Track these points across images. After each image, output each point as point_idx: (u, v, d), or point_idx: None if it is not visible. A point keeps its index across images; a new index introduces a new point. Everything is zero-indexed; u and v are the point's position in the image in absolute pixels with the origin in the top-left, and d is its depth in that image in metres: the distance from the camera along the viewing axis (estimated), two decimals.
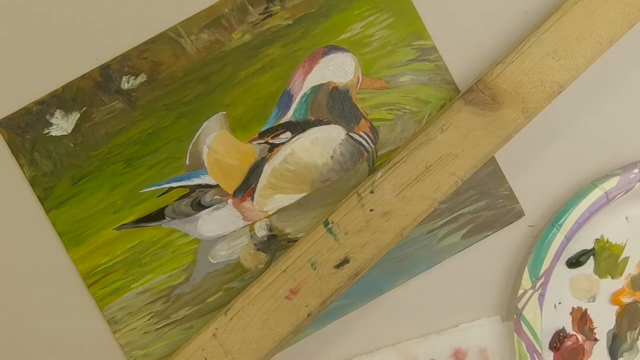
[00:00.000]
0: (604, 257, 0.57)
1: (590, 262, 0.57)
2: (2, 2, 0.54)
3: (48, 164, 0.54)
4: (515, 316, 0.56)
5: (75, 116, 0.55)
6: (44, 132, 0.54)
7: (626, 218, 0.58)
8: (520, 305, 0.56)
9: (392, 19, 0.57)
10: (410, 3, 0.57)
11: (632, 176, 0.56)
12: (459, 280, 0.57)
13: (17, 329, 0.55)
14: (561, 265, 0.57)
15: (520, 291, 0.56)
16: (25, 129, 0.54)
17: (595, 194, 0.55)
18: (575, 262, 0.57)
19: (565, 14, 0.53)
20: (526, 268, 0.56)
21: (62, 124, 0.55)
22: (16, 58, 0.54)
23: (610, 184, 0.55)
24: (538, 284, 0.55)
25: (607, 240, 0.57)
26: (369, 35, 0.56)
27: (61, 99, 0.54)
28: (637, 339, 0.58)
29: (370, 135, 0.56)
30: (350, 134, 0.56)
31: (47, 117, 0.54)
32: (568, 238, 0.55)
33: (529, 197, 0.58)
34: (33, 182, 0.54)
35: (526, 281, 0.56)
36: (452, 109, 0.53)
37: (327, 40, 0.56)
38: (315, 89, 0.56)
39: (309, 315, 0.52)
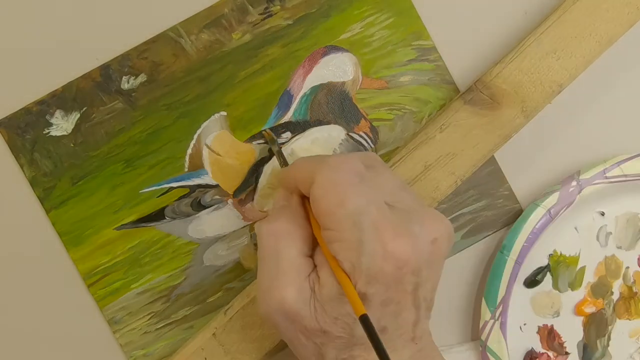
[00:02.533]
0: (560, 271, 0.57)
1: (548, 278, 0.57)
2: (2, 2, 0.54)
3: (48, 164, 0.54)
4: (480, 348, 0.56)
5: (75, 116, 0.55)
6: (44, 132, 0.54)
7: (575, 229, 0.58)
8: (483, 337, 0.56)
9: (392, 19, 0.57)
10: (410, 3, 0.57)
11: (571, 189, 0.56)
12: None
13: (17, 329, 0.55)
14: (519, 286, 0.57)
15: (482, 323, 0.56)
16: (25, 129, 0.54)
17: (539, 214, 0.55)
18: (532, 281, 0.57)
19: (564, 14, 0.53)
20: (483, 299, 0.56)
21: (62, 124, 0.55)
22: (16, 58, 0.54)
23: (551, 200, 0.55)
24: (497, 313, 0.55)
25: (561, 254, 0.57)
26: (369, 35, 0.56)
27: (61, 99, 0.55)
28: (608, 345, 0.58)
29: (370, 135, 0.56)
30: (350, 134, 0.56)
31: (47, 117, 0.54)
32: (519, 262, 0.55)
33: (529, 197, 0.58)
34: (33, 182, 0.54)
35: (485, 312, 0.56)
36: (451, 109, 0.53)
37: (327, 40, 0.56)
38: (315, 89, 0.56)
39: None
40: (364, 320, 0.39)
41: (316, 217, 0.44)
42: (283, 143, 0.56)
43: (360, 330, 0.42)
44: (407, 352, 0.44)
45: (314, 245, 0.45)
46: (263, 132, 0.55)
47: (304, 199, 0.47)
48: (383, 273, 0.41)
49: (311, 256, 0.45)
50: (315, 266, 0.44)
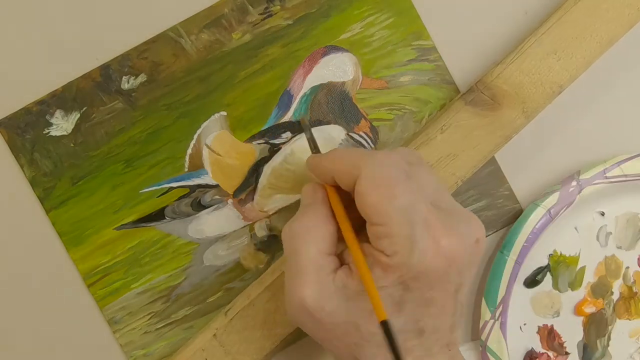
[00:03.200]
0: (560, 271, 0.57)
1: (548, 278, 0.57)
2: (2, 2, 0.54)
3: (48, 164, 0.54)
4: (480, 348, 0.56)
5: (75, 116, 0.55)
6: (44, 132, 0.54)
7: (575, 229, 0.58)
8: (483, 337, 0.56)
9: (392, 19, 0.57)
10: (410, 3, 0.57)
11: (571, 189, 0.56)
12: None
13: (17, 329, 0.55)
14: (519, 286, 0.57)
15: (482, 323, 0.56)
16: (25, 129, 0.54)
17: (539, 214, 0.55)
18: (532, 281, 0.57)
19: (565, 14, 0.53)
20: (482, 299, 0.56)
21: (62, 124, 0.55)
22: (16, 58, 0.54)
23: (551, 201, 0.55)
24: (497, 313, 0.55)
25: (561, 254, 0.58)
26: (369, 35, 0.56)
27: (61, 99, 0.54)
28: (608, 345, 0.58)
29: (370, 135, 0.56)
30: (350, 134, 0.56)
31: (47, 117, 0.54)
32: (519, 262, 0.55)
33: (529, 197, 0.58)
34: (33, 182, 0.54)
35: (485, 312, 0.56)
36: (452, 109, 0.53)
37: (327, 40, 0.56)
38: (315, 89, 0.56)
39: None
40: (385, 325, 0.39)
41: (362, 212, 0.43)
42: (283, 143, 0.56)
43: (402, 323, 0.42)
44: (443, 359, 0.44)
45: (339, 241, 0.45)
46: (300, 118, 0.55)
47: (331, 192, 0.47)
48: (433, 269, 0.41)
49: (337, 254, 0.45)
50: (342, 264, 0.44)
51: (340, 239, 0.45)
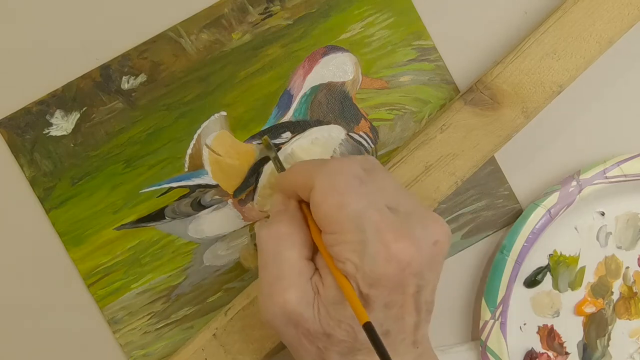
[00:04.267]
0: (560, 271, 0.57)
1: (548, 278, 0.57)
2: (2, 2, 0.54)
3: (48, 164, 0.54)
4: (480, 348, 0.56)
5: (75, 116, 0.55)
6: (44, 132, 0.54)
7: (575, 229, 0.58)
8: (483, 337, 0.56)
9: (392, 19, 0.57)
10: (410, 3, 0.57)
11: (571, 189, 0.56)
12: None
13: (17, 329, 0.55)
14: (519, 286, 0.57)
15: (482, 323, 0.56)
16: (25, 129, 0.54)
17: (538, 214, 0.55)
18: (532, 281, 0.57)
19: (564, 14, 0.53)
20: (482, 299, 0.56)
21: (62, 124, 0.55)
22: (16, 58, 0.54)
23: (551, 201, 0.55)
24: (497, 313, 0.55)
25: (561, 254, 0.57)
26: (369, 35, 0.56)
27: (61, 99, 0.54)
28: (608, 345, 0.58)
29: (370, 135, 0.56)
30: (350, 134, 0.56)
31: (47, 117, 0.54)
32: (519, 262, 0.55)
33: (529, 197, 0.58)
34: (33, 182, 0.54)
35: (485, 312, 0.56)
36: (451, 109, 0.53)
37: (327, 40, 0.56)
38: (315, 89, 0.56)
39: None
40: (368, 328, 0.39)
41: (317, 222, 0.44)
42: (283, 143, 0.56)
43: (363, 335, 0.42)
44: (409, 357, 0.44)
45: (314, 249, 0.45)
46: (262, 138, 0.55)
47: (302, 204, 0.47)
48: (386, 275, 0.41)
49: (312, 259, 0.45)
50: (316, 269, 0.44)
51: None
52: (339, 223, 0.42)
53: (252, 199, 0.56)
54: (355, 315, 0.41)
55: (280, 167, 0.52)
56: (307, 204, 0.45)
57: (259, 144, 0.56)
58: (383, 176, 0.45)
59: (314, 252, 0.45)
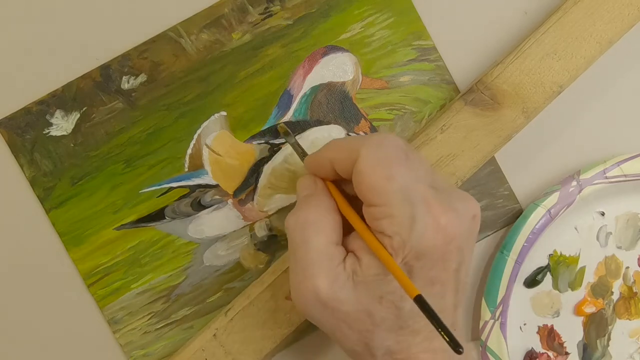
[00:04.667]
0: (560, 271, 0.57)
1: (548, 278, 0.57)
2: (2, 2, 0.54)
3: (48, 164, 0.54)
4: (480, 348, 0.56)
5: (75, 116, 0.55)
6: (44, 132, 0.54)
7: (575, 229, 0.58)
8: (483, 337, 0.56)
9: (392, 19, 0.57)
10: (410, 3, 0.57)
11: (571, 189, 0.56)
12: None
13: (17, 329, 0.55)
14: (519, 286, 0.57)
15: (482, 323, 0.56)
16: (25, 129, 0.54)
17: (539, 214, 0.55)
18: (532, 281, 0.57)
19: (565, 15, 0.53)
20: (482, 299, 0.56)
21: (62, 124, 0.55)
22: (16, 58, 0.54)
23: (551, 201, 0.55)
24: (497, 313, 0.55)
25: (561, 254, 0.58)
26: (369, 35, 0.56)
27: (61, 99, 0.54)
28: (608, 345, 0.58)
29: None
30: (350, 134, 0.56)
31: (47, 117, 0.54)
32: (519, 262, 0.55)
33: (529, 197, 0.58)
34: (33, 182, 0.54)
35: (485, 312, 0.56)
36: (452, 110, 0.53)
37: (327, 40, 0.56)
38: (315, 89, 0.56)
39: None
40: (420, 299, 0.39)
41: (360, 194, 0.43)
42: (283, 143, 0.56)
43: (406, 309, 0.42)
44: None
45: (344, 231, 0.45)
46: (278, 126, 0.55)
47: (330, 184, 0.47)
48: (434, 247, 0.41)
49: (342, 243, 0.45)
50: (349, 252, 0.44)
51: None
52: (386, 195, 0.41)
53: (252, 199, 0.56)
54: (404, 289, 0.40)
55: (301, 152, 0.52)
56: (335, 184, 0.45)
57: (259, 144, 0.56)
58: (420, 156, 0.45)
59: (344, 235, 0.45)
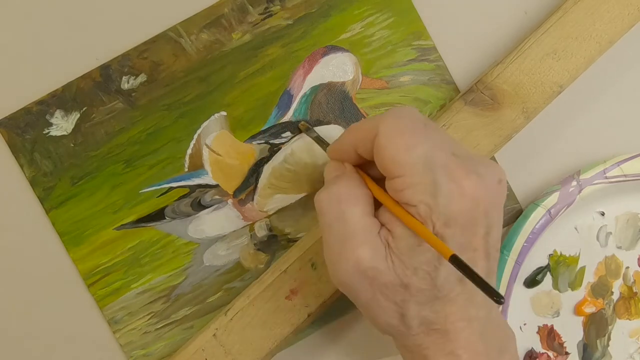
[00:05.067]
0: (560, 271, 0.57)
1: (548, 278, 0.57)
2: (2, 2, 0.54)
3: (48, 164, 0.54)
4: None
5: (75, 116, 0.55)
6: (44, 132, 0.54)
7: (575, 228, 0.58)
8: None
9: (392, 19, 0.57)
10: (410, 3, 0.57)
11: (571, 189, 0.56)
12: None
13: (17, 329, 0.55)
14: (519, 286, 0.57)
15: None
16: (25, 129, 0.54)
17: (539, 214, 0.55)
18: (532, 281, 0.57)
19: (565, 14, 0.53)
20: None
21: (62, 124, 0.55)
22: (16, 58, 0.55)
23: (551, 201, 0.55)
24: None
25: (561, 254, 0.57)
26: (369, 35, 0.56)
27: (61, 99, 0.55)
28: (608, 345, 0.58)
29: None
30: None
31: (47, 117, 0.54)
32: (519, 262, 0.55)
33: (529, 197, 0.58)
34: (33, 182, 0.54)
35: None
36: (451, 109, 0.53)
37: (327, 40, 0.56)
38: (315, 89, 0.56)
39: (309, 315, 0.52)
40: (455, 259, 0.39)
41: (382, 168, 0.43)
42: (283, 143, 0.56)
43: (440, 279, 0.42)
44: (485, 309, 0.44)
45: (376, 206, 0.45)
46: (299, 124, 0.55)
47: (357, 168, 0.47)
48: (461, 211, 0.41)
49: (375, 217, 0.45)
50: (382, 225, 0.44)
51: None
52: (407, 165, 0.41)
53: (252, 199, 0.56)
54: (438, 251, 0.40)
55: (324, 144, 0.52)
56: (362, 168, 0.46)
57: (259, 144, 0.56)
58: (437, 125, 0.46)
59: (376, 209, 0.45)
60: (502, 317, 0.47)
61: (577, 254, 0.57)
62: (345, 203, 0.44)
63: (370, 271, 0.42)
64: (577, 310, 0.57)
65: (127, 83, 0.55)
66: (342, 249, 0.43)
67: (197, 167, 0.55)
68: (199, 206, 0.55)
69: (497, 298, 0.37)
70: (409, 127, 0.43)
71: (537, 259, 0.57)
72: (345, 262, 0.43)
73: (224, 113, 0.56)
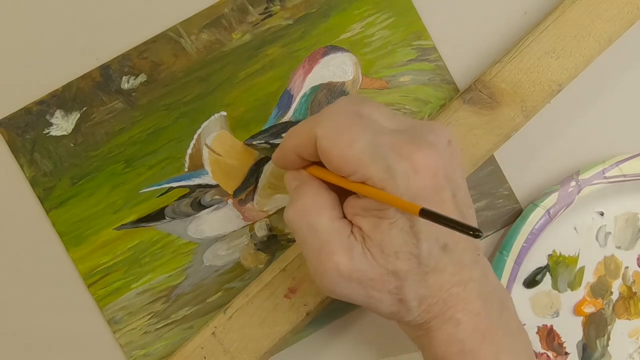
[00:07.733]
0: (559, 271, 0.57)
1: (547, 278, 0.57)
2: (2, 2, 0.54)
3: (48, 164, 0.54)
4: None
5: (75, 116, 0.55)
6: (44, 132, 0.54)
7: (574, 229, 0.58)
8: None
9: (392, 19, 0.57)
10: (410, 3, 0.57)
11: (570, 189, 0.56)
12: None
13: (17, 329, 0.55)
14: (518, 287, 0.57)
15: None
16: (25, 129, 0.54)
17: (538, 214, 0.55)
18: (531, 281, 0.57)
19: (563, 13, 0.53)
20: None
21: (62, 124, 0.55)
22: (16, 58, 0.55)
23: (550, 201, 0.55)
24: None
25: (560, 254, 0.57)
26: (369, 35, 0.57)
27: (61, 99, 0.55)
28: (608, 345, 0.58)
29: None
30: None
31: (47, 117, 0.54)
32: (518, 263, 0.55)
33: (529, 197, 0.58)
34: (33, 182, 0.54)
35: None
36: (450, 108, 0.53)
37: (327, 40, 0.56)
38: (315, 89, 0.56)
39: (307, 314, 0.52)
40: (424, 212, 0.39)
41: (333, 169, 0.43)
42: None
43: (423, 254, 0.42)
44: (477, 269, 0.44)
45: (341, 200, 0.45)
46: (244, 142, 0.56)
47: (311, 169, 0.47)
48: (422, 187, 0.41)
49: (345, 217, 0.45)
50: (352, 225, 0.44)
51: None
52: (355, 160, 0.42)
53: (252, 199, 0.56)
54: (406, 211, 0.40)
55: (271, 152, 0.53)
56: (315, 166, 0.46)
57: (259, 143, 0.56)
58: (375, 105, 0.45)
59: (341, 202, 0.45)
60: (498, 279, 0.47)
61: (577, 254, 0.57)
62: (311, 214, 0.44)
63: (353, 274, 0.43)
64: (577, 311, 0.57)
65: (127, 83, 0.55)
66: (320, 260, 0.43)
67: (197, 167, 0.55)
68: (199, 206, 0.55)
69: (474, 232, 0.38)
70: (345, 123, 0.43)
71: (536, 259, 0.57)
72: (328, 272, 0.43)
73: (224, 113, 0.56)
